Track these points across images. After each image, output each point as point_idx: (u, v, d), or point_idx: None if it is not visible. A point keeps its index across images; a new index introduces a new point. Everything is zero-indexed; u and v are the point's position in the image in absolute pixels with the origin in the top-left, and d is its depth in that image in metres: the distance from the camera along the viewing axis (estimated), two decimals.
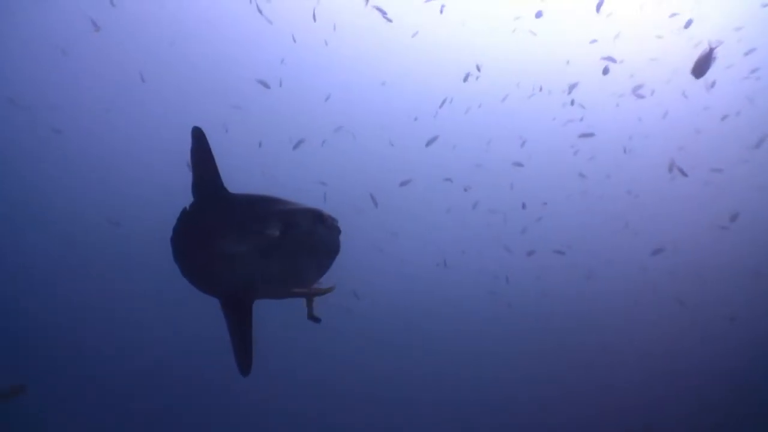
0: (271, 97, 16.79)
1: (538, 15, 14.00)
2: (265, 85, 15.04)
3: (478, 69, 15.04)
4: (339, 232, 3.01)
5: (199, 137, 3.09)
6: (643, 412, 16.74)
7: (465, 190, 17.26)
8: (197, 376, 16.26)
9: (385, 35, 17.33)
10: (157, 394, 15.79)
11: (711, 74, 7.00)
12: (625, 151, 16.57)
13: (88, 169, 18.68)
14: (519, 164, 16.59)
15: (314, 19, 14.66)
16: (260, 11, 14.84)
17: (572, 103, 13.64)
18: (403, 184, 16.28)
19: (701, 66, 6.21)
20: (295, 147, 15.43)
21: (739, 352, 17.90)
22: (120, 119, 18.67)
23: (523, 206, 14.64)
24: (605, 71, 12.78)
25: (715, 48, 6.11)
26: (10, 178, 18.12)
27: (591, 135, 14.56)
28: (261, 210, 2.96)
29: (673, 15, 14.90)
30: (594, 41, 15.42)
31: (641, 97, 14.86)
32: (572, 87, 14.00)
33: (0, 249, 17.57)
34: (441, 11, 14.76)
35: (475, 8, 17.09)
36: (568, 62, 16.58)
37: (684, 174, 12.73)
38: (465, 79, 15.21)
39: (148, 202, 16.47)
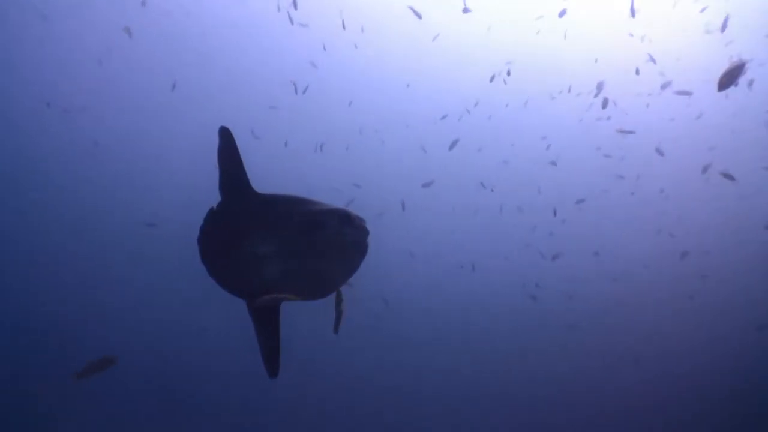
0: (301, 99, 16.92)
1: (562, 14, 13.71)
2: (296, 87, 15.18)
3: (509, 73, 14.77)
4: (367, 232, 2.99)
5: (226, 137, 3.10)
6: (663, 415, 16.48)
7: (491, 190, 17.14)
8: (225, 376, 16.40)
9: (411, 36, 17.30)
10: (181, 395, 15.95)
11: (749, 73, 6.78)
12: (657, 152, 16.21)
13: (122, 171, 19.03)
14: (553, 163, 16.45)
15: (343, 27, 14.76)
16: (291, 21, 14.92)
17: (605, 103, 13.29)
18: (425, 185, 16.17)
19: (727, 79, 5.99)
20: (320, 149, 15.53)
21: (765, 361, 17.45)
22: (153, 123, 19.04)
23: (555, 213, 14.49)
24: (637, 71, 12.48)
25: (746, 63, 5.90)
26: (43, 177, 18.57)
27: (632, 132, 14.20)
28: (288, 210, 2.97)
29: (704, 9, 14.43)
30: (630, 35, 15.08)
31: (686, 93, 14.40)
32: (600, 86, 13.66)
33: (34, 249, 17.99)
34: (465, 12, 14.63)
35: (498, 8, 16.89)
36: (596, 60, 16.27)
37: (731, 178, 12.30)
38: (491, 80, 15.03)
39: (180, 204, 16.70)
